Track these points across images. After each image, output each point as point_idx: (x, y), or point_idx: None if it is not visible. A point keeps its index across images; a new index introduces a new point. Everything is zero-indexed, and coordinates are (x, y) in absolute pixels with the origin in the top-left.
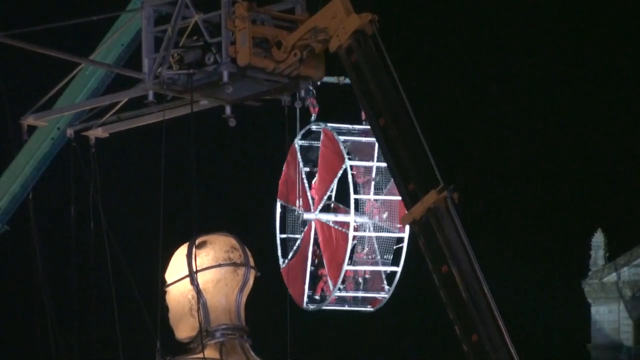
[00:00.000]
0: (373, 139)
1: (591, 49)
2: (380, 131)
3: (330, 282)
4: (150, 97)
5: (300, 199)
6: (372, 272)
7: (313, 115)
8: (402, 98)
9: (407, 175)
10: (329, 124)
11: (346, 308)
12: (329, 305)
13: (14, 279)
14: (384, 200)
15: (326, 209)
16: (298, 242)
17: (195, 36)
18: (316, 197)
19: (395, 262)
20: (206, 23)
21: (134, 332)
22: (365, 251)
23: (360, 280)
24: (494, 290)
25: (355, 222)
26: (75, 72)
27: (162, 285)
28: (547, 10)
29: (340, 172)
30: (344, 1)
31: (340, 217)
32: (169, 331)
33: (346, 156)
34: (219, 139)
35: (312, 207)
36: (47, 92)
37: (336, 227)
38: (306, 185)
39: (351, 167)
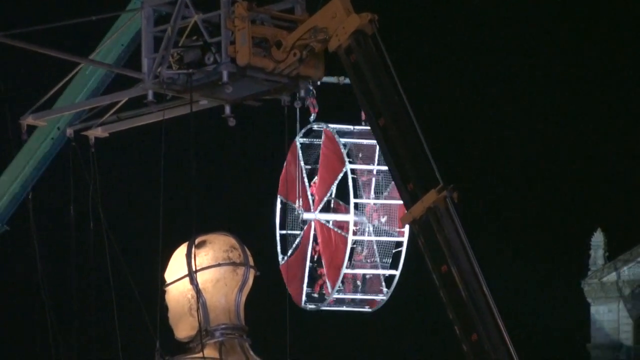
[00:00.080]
0: (374, 141)
1: (591, 49)
2: (380, 131)
3: (328, 284)
4: (150, 97)
5: (300, 199)
6: (370, 274)
7: (312, 115)
8: (402, 98)
9: (406, 174)
10: (330, 125)
11: (344, 309)
12: (327, 306)
13: (14, 278)
14: (383, 204)
15: (326, 208)
16: (297, 240)
17: (194, 36)
18: (316, 197)
19: (394, 266)
20: (206, 23)
21: (133, 332)
22: (364, 253)
23: (359, 282)
24: (493, 290)
25: (355, 227)
26: (74, 72)
27: (161, 284)
28: (547, 10)
29: (341, 175)
30: (343, 1)
31: (340, 217)
32: (168, 331)
33: (346, 159)
34: (218, 139)
35: (312, 207)
36: (47, 92)
37: (335, 229)
38: (306, 184)
39: (352, 170)
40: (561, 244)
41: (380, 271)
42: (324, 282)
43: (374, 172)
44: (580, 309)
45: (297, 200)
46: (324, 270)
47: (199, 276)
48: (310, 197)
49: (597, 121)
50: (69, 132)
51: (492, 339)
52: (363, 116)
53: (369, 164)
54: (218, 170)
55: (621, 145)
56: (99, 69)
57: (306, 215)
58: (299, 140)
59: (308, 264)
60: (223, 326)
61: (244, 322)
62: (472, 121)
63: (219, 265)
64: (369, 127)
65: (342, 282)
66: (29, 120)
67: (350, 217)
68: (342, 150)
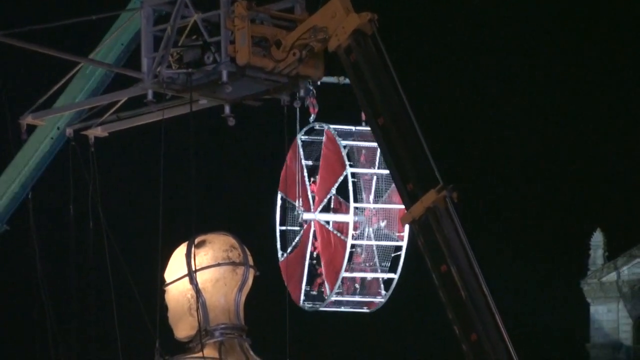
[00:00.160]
0: (374, 144)
1: (591, 49)
2: (379, 131)
3: (327, 286)
4: (150, 97)
5: (300, 199)
6: (369, 277)
7: (312, 116)
8: (402, 97)
9: (406, 174)
10: (332, 126)
11: (342, 309)
12: (326, 307)
13: (14, 278)
14: (382, 208)
15: (326, 208)
16: (297, 238)
17: (194, 35)
18: (317, 198)
19: (392, 269)
20: (205, 22)
21: (133, 332)
22: (363, 256)
23: (357, 285)
24: (493, 290)
25: (354, 232)
26: (74, 71)
27: (161, 284)
28: (547, 10)
29: (341, 178)
30: (343, 1)
31: (340, 218)
32: (168, 330)
33: (347, 163)
34: (218, 139)
35: (311, 207)
36: (47, 91)
37: (335, 231)
38: (307, 183)
39: (352, 174)
40: (561, 244)
41: (379, 275)
42: (323, 281)
43: (374, 176)
44: (580, 308)
45: (297, 200)
46: (323, 270)
47: (198, 276)
48: (310, 195)
49: (597, 121)
50: (69, 131)
51: (492, 339)
52: (363, 117)
53: (369, 167)
54: (218, 170)
55: (621, 146)
56: (98, 68)
57: (306, 216)
58: (301, 137)
59: (307, 263)
60: (223, 326)
61: (244, 322)
62: (472, 121)
63: (218, 265)
64: (369, 128)
65: (341, 284)
66: (28, 119)
67: (350, 221)
68: (343, 153)
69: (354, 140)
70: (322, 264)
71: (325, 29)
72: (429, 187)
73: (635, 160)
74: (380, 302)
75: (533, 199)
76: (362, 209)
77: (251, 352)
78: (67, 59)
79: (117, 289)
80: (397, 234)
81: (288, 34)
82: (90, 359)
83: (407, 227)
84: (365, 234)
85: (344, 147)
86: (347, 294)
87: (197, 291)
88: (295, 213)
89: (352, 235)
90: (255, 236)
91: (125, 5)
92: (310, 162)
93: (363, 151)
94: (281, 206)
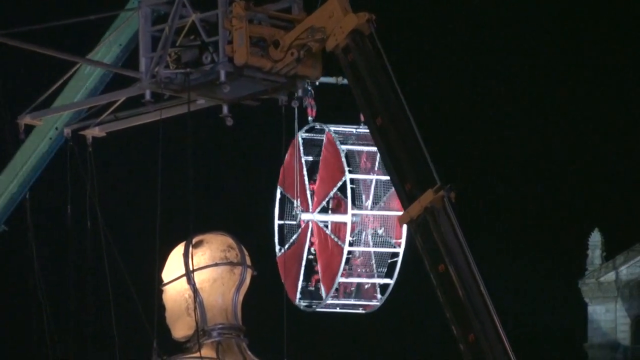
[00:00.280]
0: (374, 148)
1: (591, 49)
2: (377, 131)
3: (323, 288)
4: (148, 97)
5: (299, 199)
6: (365, 283)
7: (310, 118)
8: (400, 97)
9: (404, 174)
10: (332, 128)
11: (338, 310)
12: (322, 308)
13: (11, 278)
14: (381, 215)
15: (325, 208)
16: (295, 236)
17: (192, 35)
18: (315, 198)
19: (389, 275)
20: (203, 22)
21: (130, 331)
22: (360, 260)
23: (353, 289)
24: (491, 290)
25: (351, 238)
26: (72, 71)
27: (158, 284)
28: (547, 10)
29: (340, 183)
30: (341, 0)
31: (338, 218)
32: (165, 330)
33: (346, 169)
34: (216, 139)
35: (310, 207)
36: (45, 91)
37: (332, 236)
38: (306, 182)
39: (351, 180)
40: (559, 243)
41: (376, 280)
42: (319, 281)
43: (373, 181)
44: (578, 308)
45: (295, 201)
46: (319, 269)
47: (196, 276)
48: (309, 193)
49: (596, 121)
50: (67, 131)
51: (490, 339)
52: (362, 117)
53: (369, 171)
54: (216, 170)
55: (619, 146)
56: (97, 68)
57: (304, 216)
58: (302, 135)
59: (304, 262)
60: (220, 326)
61: (241, 322)
62: (472, 121)
63: (216, 265)
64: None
65: (337, 288)
66: (26, 119)
67: (347, 228)
68: (342, 158)
69: (353, 144)
70: (319, 264)
71: (323, 29)
72: (426, 187)
73: (634, 160)
74: (376, 305)
75: (532, 199)
76: (360, 215)
77: (249, 352)
78: (65, 59)
79: (114, 288)
80: (395, 241)
81: (286, 34)
82: (88, 359)
83: (404, 233)
84: (363, 239)
85: (344, 151)
86: (343, 297)
87: (195, 291)
88: (294, 213)
89: (349, 242)
90: (253, 236)
91: (124, 5)
92: (310, 158)
93: (364, 155)
94: (280, 200)
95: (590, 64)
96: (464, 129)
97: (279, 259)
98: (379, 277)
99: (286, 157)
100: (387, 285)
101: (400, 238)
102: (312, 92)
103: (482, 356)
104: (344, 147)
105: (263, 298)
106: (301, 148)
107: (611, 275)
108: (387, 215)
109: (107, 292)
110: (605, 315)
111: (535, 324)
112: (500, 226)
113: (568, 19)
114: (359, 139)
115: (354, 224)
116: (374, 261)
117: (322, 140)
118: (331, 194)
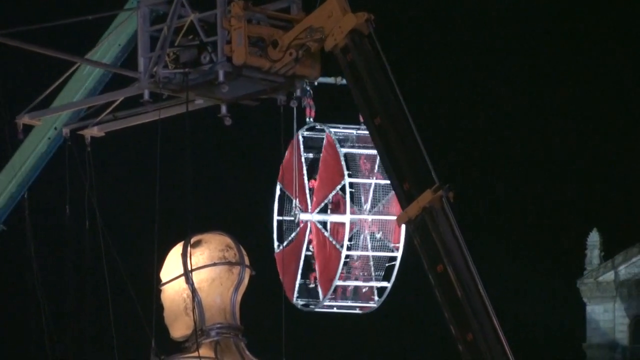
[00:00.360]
0: (374, 151)
1: (591, 49)
2: (376, 131)
3: (320, 290)
4: (146, 96)
5: (298, 199)
6: (362, 286)
7: (309, 118)
8: (399, 97)
9: (402, 174)
10: (332, 129)
11: (335, 310)
12: (319, 308)
13: (10, 278)
14: (379, 219)
15: (323, 209)
16: (293, 234)
17: (191, 35)
18: (314, 199)
19: (386, 278)
20: (202, 22)
21: (129, 331)
22: (357, 262)
23: (350, 290)
24: (489, 290)
25: (349, 242)
26: (71, 71)
27: (157, 284)
28: (547, 10)
29: (339, 187)
30: (339, 0)
31: (336, 218)
32: (164, 330)
33: (346, 173)
34: (214, 138)
35: (309, 207)
36: (44, 91)
37: (330, 238)
38: (305, 181)
39: (350, 184)
40: (558, 243)
41: (373, 283)
42: (316, 278)
43: (372, 185)
44: (577, 308)
45: (294, 200)
46: (317, 268)
47: (194, 275)
48: (308, 192)
49: (596, 121)
50: (65, 131)
51: (488, 339)
52: (361, 117)
53: (369, 174)
54: (214, 170)
55: (618, 146)
56: (96, 68)
57: (303, 216)
58: (302, 133)
59: (302, 260)
60: (218, 325)
61: (240, 322)
62: (472, 121)
63: (214, 264)
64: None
65: (334, 291)
66: (25, 119)
67: (346, 232)
68: (342, 161)
69: (353, 146)
70: (317, 265)
71: (322, 29)
72: (425, 187)
73: (633, 160)
74: (373, 307)
75: (531, 199)
76: (360, 213)
77: (247, 352)
78: (64, 59)
79: (113, 288)
80: (393, 244)
81: (285, 34)
82: (86, 359)
83: (402, 237)
84: (361, 243)
85: (343, 154)
86: (340, 298)
87: (193, 291)
88: (293, 213)
89: (347, 246)
90: (252, 236)
91: (123, 5)
92: (311, 155)
93: (363, 157)
94: (279, 197)
95: (590, 64)
96: (464, 129)
97: (278, 255)
98: (376, 280)
99: (286, 155)
100: (384, 287)
101: (398, 242)
102: (311, 92)
103: (480, 356)
104: (343, 150)
105: (261, 298)
106: (301, 146)
107: (610, 275)
108: (386, 220)
109: (106, 291)
110: (604, 315)
111: (534, 324)
112: (499, 226)
113: (568, 19)
114: (359, 141)
115: (352, 224)
116: (372, 265)
117: (323, 139)
118: (330, 196)
